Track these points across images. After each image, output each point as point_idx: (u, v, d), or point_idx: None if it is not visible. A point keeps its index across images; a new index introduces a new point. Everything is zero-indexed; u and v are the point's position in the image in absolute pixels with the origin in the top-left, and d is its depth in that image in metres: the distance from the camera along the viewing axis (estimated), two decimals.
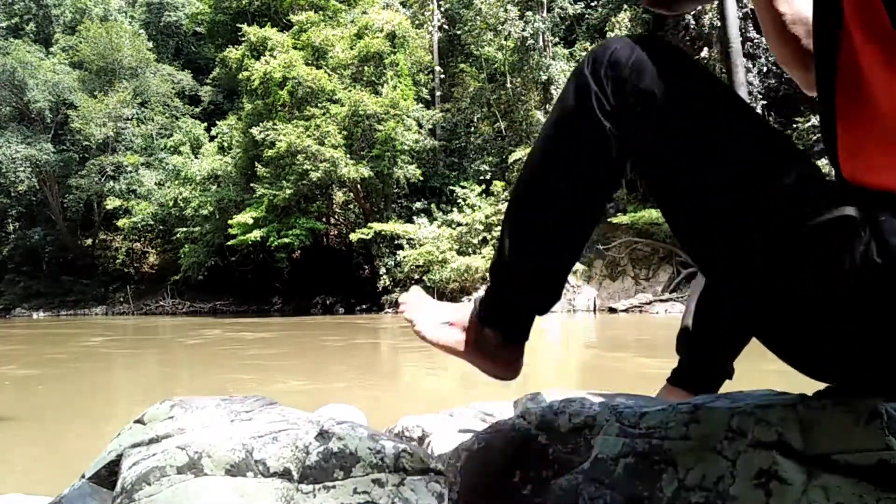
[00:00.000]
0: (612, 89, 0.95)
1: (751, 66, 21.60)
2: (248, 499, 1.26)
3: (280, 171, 22.24)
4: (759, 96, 21.19)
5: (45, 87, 28.58)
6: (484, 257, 21.45)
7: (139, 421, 1.56)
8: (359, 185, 23.33)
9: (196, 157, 27.72)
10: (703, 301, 1.57)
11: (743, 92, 19.28)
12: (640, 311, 19.82)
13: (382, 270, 22.98)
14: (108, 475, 1.49)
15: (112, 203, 28.72)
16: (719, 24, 20.97)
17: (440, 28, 27.08)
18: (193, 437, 1.40)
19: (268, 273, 25.83)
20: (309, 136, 21.69)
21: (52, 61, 30.41)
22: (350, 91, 23.02)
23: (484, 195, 23.16)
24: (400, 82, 24.00)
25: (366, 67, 24.28)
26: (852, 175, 0.83)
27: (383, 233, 22.19)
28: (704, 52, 21.33)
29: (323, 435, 1.34)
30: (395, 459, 1.32)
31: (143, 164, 29.54)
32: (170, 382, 7.94)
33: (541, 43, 24.32)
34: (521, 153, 22.89)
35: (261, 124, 22.63)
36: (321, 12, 26.01)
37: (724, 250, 0.90)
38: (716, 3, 21.27)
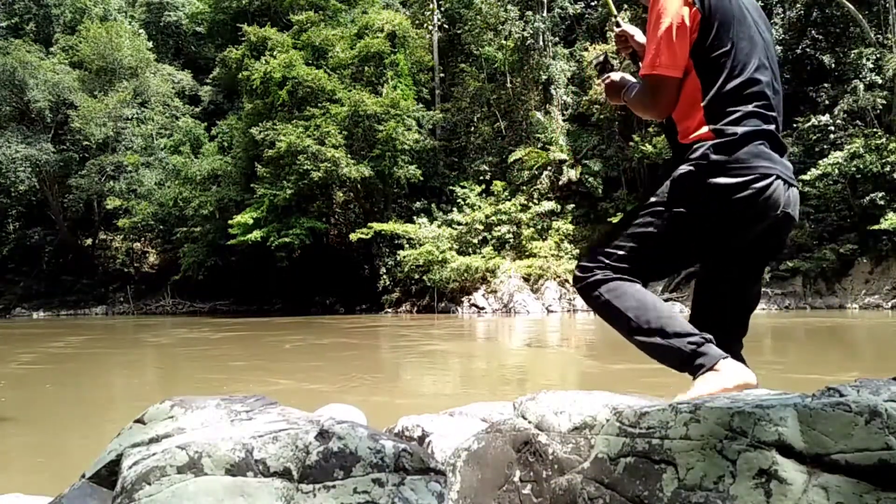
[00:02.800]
0: None
1: None
2: (249, 498, 1.26)
3: (280, 171, 22.23)
4: None
5: (45, 86, 28.54)
6: (484, 257, 21.44)
7: (139, 420, 1.56)
8: (359, 185, 23.33)
9: (196, 157, 27.71)
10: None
11: None
12: None
13: (382, 270, 22.97)
14: (108, 475, 1.49)
15: (112, 203, 28.68)
16: None
17: (440, 28, 27.07)
18: (193, 436, 1.40)
19: (268, 273, 25.82)
20: (309, 136, 21.68)
21: (52, 61, 30.37)
22: (350, 91, 23.01)
23: (484, 195, 23.15)
24: (400, 82, 23.99)
25: (366, 67, 24.27)
26: (682, 139, 1.74)
27: (383, 232, 22.19)
28: None
29: (323, 435, 1.34)
30: (395, 459, 1.32)
31: (143, 164, 29.50)
32: (170, 382, 7.94)
33: (541, 43, 24.31)
34: (521, 153, 22.88)
35: (260, 124, 22.62)
36: (321, 12, 25.99)
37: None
38: None
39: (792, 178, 1.70)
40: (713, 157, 1.61)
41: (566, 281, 21.40)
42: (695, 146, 1.66)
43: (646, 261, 1.71)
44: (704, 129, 1.65)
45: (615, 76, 1.92)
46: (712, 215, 1.63)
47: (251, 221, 22.45)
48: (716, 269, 1.78)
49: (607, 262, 1.72)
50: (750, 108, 1.64)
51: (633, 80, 1.89)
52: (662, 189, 1.71)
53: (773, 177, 1.61)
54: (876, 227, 18.03)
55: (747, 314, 1.81)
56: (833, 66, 20.69)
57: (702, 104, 1.66)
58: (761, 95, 1.67)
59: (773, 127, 1.68)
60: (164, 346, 12.98)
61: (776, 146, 1.67)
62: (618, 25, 2.06)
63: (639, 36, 2.02)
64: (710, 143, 1.63)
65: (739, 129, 1.61)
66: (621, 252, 1.71)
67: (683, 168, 1.66)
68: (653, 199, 1.72)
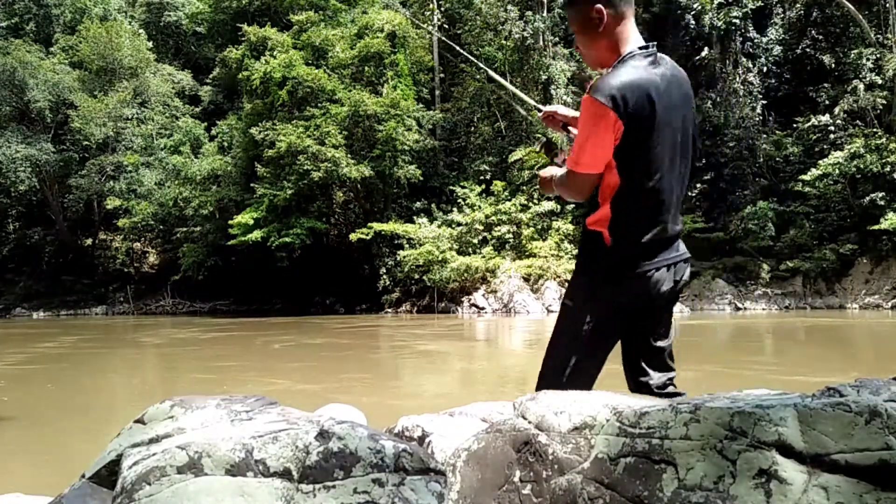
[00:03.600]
0: None
1: (751, 66, 21.59)
2: (249, 498, 1.26)
3: (280, 171, 22.24)
4: (760, 96, 21.18)
5: (45, 87, 28.52)
6: (484, 257, 21.43)
7: (139, 421, 1.56)
8: (359, 185, 23.33)
9: (196, 157, 27.70)
10: None
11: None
12: None
13: (382, 270, 22.97)
14: (108, 475, 1.49)
15: (112, 203, 28.67)
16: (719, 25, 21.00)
17: (440, 28, 27.06)
18: (193, 436, 1.40)
19: (268, 273, 25.81)
20: (309, 136, 21.68)
21: (52, 61, 30.36)
22: (350, 91, 23.00)
23: (484, 195, 23.14)
24: (400, 82, 23.98)
25: (366, 67, 24.26)
26: (588, 222, 2.00)
27: (383, 233, 22.18)
28: (705, 52, 21.33)
29: (323, 435, 1.34)
30: (395, 459, 1.32)
31: (143, 164, 29.49)
32: (167, 382, 7.94)
33: (541, 43, 24.30)
34: (521, 153, 22.88)
35: (260, 124, 22.62)
36: (321, 12, 25.97)
37: None
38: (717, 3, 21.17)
39: (676, 257, 1.99)
40: (606, 263, 1.93)
41: (566, 281, 21.40)
42: (594, 242, 1.97)
43: (585, 368, 1.98)
44: (606, 227, 1.94)
45: (545, 173, 2.19)
46: (615, 311, 1.95)
47: (251, 222, 22.45)
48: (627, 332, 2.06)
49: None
50: (647, 210, 1.92)
51: (559, 168, 2.15)
52: (569, 292, 2.07)
53: (653, 270, 1.92)
54: (876, 227, 18.02)
55: (666, 351, 2.08)
56: (833, 66, 20.69)
57: (612, 197, 1.92)
58: (659, 202, 1.92)
59: (660, 229, 1.94)
60: (159, 346, 12.98)
61: (665, 242, 1.96)
62: (540, 111, 2.37)
63: (562, 109, 2.31)
64: (605, 248, 1.93)
65: (631, 237, 1.92)
66: (567, 372, 1.96)
67: (581, 275, 2.03)
68: (568, 304, 2.03)
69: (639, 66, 1.87)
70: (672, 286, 1.98)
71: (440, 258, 21.06)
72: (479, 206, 22.52)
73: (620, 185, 1.90)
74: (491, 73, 3.51)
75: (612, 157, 1.87)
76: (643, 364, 2.04)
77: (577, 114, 2.10)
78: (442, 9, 26.90)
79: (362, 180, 22.43)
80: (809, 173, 19.02)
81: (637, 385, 2.06)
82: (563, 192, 2.08)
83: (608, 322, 1.96)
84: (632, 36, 1.94)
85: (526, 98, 2.95)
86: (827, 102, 20.62)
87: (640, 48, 1.92)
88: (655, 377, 2.03)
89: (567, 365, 1.96)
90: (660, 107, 1.85)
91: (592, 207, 2.00)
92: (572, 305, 2.01)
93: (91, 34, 29.87)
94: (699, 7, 21.28)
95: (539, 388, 2.00)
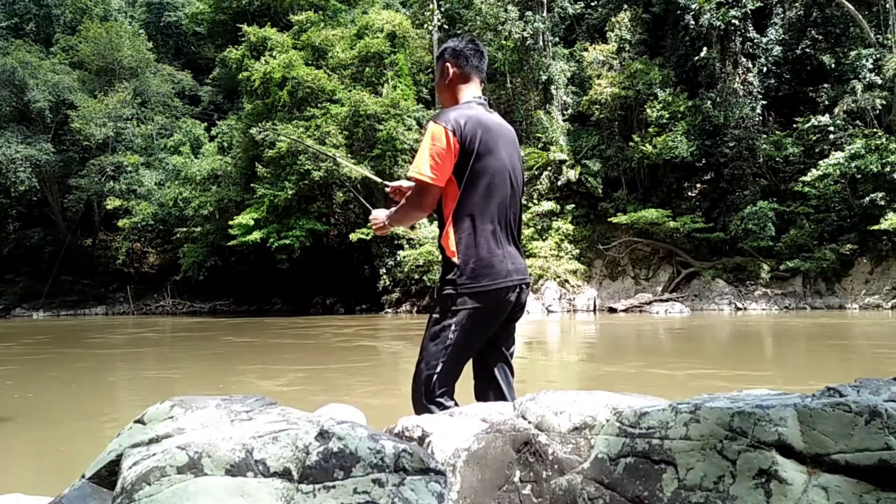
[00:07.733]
0: None
1: (751, 66, 21.58)
2: (249, 499, 1.26)
3: (280, 172, 22.24)
4: (759, 96, 21.17)
5: (45, 87, 28.55)
6: None
7: (139, 421, 1.56)
8: (359, 185, 23.33)
9: (196, 157, 27.70)
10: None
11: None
12: (640, 311, 19.81)
13: (382, 270, 22.97)
14: (108, 475, 1.49)
15: (112, 203, 28.69)
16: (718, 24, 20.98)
17: (440, 28, 27.06)
18: (193, 436, 1.40)
19: (268, 273, 25.82)
20: (309, 136, 21.69)
21: (52, 61, 30.39)
22: (350, 91, 23.00)
23: None
24: (400, 82, 23.98)
25: (366, 67, 24.26)
26: (441, 240, 2.27)
27: None
28: (704, 52, 21.32)
29: (323, 435, 1.34)
30: (395, 459, 1.32)
31: (143, 164, 29.50)
32: (172, 383, 7.94)
33: (541, 43, 24.31)
34: (521, 152, 22.86)
35: (260, 124, 22.63)
36: (321, 12, 25.98)
37: None
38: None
39: (519, 280, 2.25)
40: (459, 280, 2.18)
41: (566, 281, 21.38)
42: (446, 259, 2.24)
43: (453, 368, 2.24)
44: (451, 238, 2.22)
45: (377, 217, 2.48)
46: (472, 321, 2.19)
47: (251, 222, 22.46)
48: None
49: (434, 398, 2.21)
50: (482, 227, 2.20)
51: (387, 210, 2.48)
52: (435, 306, 2.28)
53: (495, 286, 2.18)
54: (876, 227, 18.01)
55: (508, 356, 2.44)
56: (833, 66, 20.68)
57: (453, 208, 2.22)
58: (493, 218, 2.22)
59: (496, 247, 2.21)
60: (159, 345, 12.98)
61: (505, 260, 2.22)
62: (387, 186, 2.72)
63: (406, 183, 2.59)
64: (453, 264, 2.19)
65: (470, 253, 2.18)
66: (439, 373, 2.20)
67: (442, 289, 2.24)
68: (436, 317, 2.25)
69: (473, 108, 2.29)
70: (514, 303, 2.27)
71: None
72: None
73: (458, 202, 2.21)
74: (339, 159, 4.35)
75: (452, 174, 2.19)
76: (492, 367, 2.35)
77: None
78: (442, 9, 26.88)
79: (362, 180, 22.43)
80: (809, 173, 19.01)
81: (484, 385, 2.35)
82: (409, 206, 2.29)
83: (469, 331, 2.20)
84: (470, 92, 2.38)
85: (372, 175, 3.57)
86: (827, 103, 20.61)
87: (475, 97, 2.36)
88: (502, 378, 2.37)
89: (434, 371, 2.20)
90: (487, 136, 2.22)
91: (441, 227, 2.28)
92: (438, 317, 2.24)
93: (91, 34, 29.89)
94: (698, 7, 21.26)
95: (414, 391, 2.25)
